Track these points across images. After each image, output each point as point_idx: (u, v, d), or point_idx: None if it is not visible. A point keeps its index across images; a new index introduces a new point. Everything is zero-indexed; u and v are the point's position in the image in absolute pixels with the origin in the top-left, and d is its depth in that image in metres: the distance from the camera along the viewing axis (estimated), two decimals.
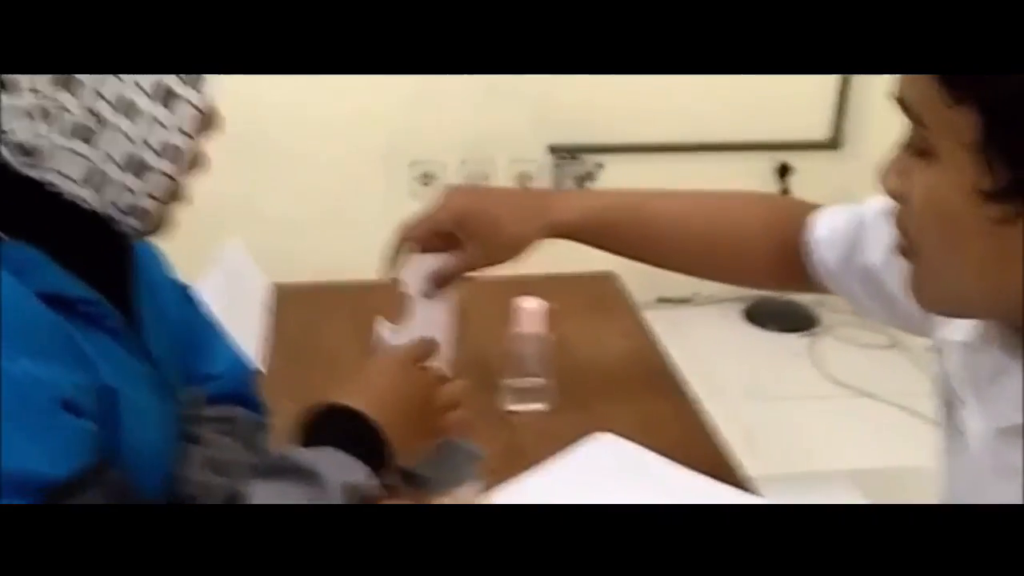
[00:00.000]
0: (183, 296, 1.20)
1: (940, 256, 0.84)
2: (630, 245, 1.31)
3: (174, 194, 0.95)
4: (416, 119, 3.01)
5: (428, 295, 1.36)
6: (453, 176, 3.12)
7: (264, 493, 0.92)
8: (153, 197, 0.91)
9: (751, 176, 3.15)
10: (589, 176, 3.16)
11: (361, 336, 1.27)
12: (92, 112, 0.85)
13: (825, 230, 1.24)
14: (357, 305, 1.54)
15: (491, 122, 3.06)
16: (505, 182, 3.14)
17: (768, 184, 3.12)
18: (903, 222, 0.86)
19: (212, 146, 3.07)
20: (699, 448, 1.32)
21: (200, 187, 2.95)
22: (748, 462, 1.39)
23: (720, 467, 1.28)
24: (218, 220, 2.92)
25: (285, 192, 3.02)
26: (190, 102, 0.89)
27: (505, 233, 1.28)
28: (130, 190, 0.89)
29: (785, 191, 3.13)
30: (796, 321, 3.20)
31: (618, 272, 3.18)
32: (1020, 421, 0.88)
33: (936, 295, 0.88)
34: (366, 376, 1.06)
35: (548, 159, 3.16)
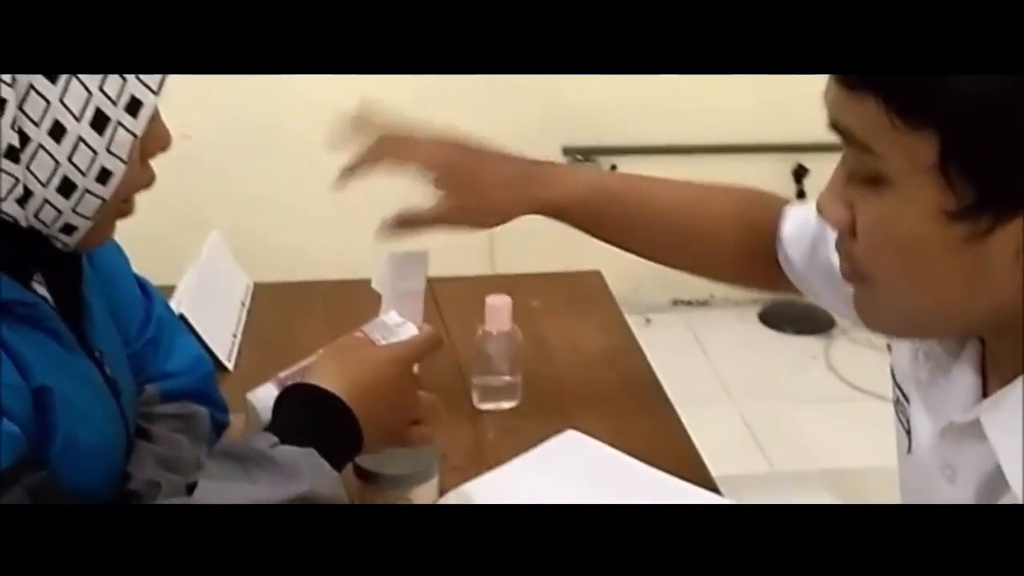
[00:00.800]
0: (144, 293, 1.21)
1: (898, 282, 0.81)
2: (612, 231, 1.27)
3: (115, 211, 0.95)
4: (427, 119, 3.01)
5: (397, 292, 1.36)
6: None
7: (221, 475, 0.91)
8: (82, 216, 0.91)
9: (767, 177, 3.12)
10: None
11: (334, 335, 1.26)
12: (19, 131, 0.85)
13: (792, 227, 1.22)
14: (332, 304, 1.55)
15: (504, 123, 3.05)
16: None
17: (784, 186, 3.10)
18: (848, 250, 0.84)
19: (226, 145, 3.07)
20: (668, 448, 1.30)
21: (215, 185, 2.97)
22: (754, 462, 1.39)
23: (689, 468, 1.26)
24: (233, 217, 2.96)
25: (296, 188, 3.04)
26: (123, 125, 0.89)
27: (488, 199, 1.25)
28: (56, 208, 0.89)
29: (801, 193, 3.10)
30: (812, 324, 3.17)
31: (632, 273, 3.18)
32: (958, 420, 0.87)
33: (891, 319, 0.86)
34: (359, 364, 1.03)
35: (561, 160, 3.15)
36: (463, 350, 1.44)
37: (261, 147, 2.99)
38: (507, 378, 1.37)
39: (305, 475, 0.91)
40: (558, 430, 1.32)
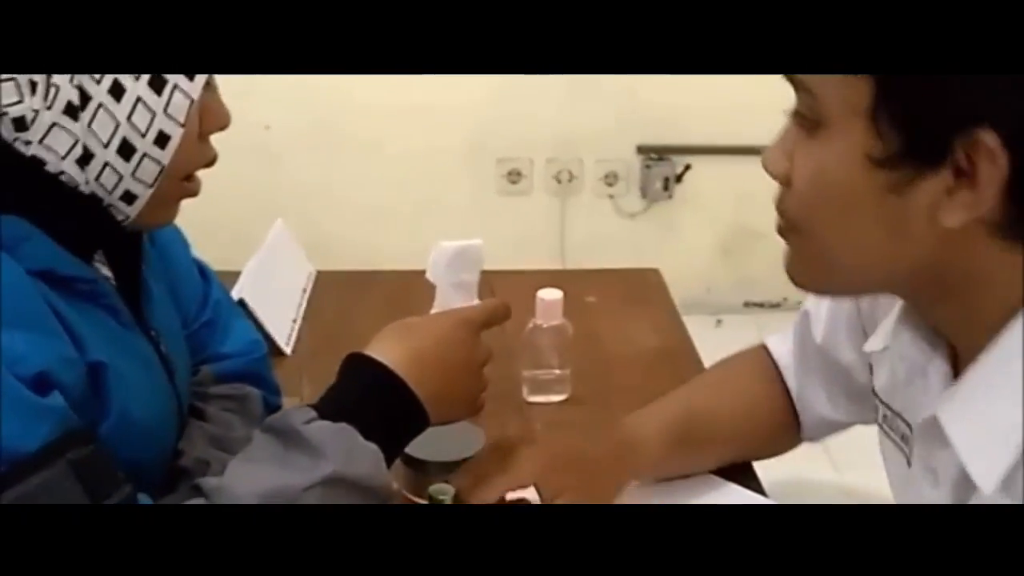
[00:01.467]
0: (202, 276, 1.24)
1: (824, 230, 0.83)
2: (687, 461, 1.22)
3: (177, 190, 0.97)
4: (503, 116, 3.05)
5: (451, 283, 1.38)
6: (540, 174, 3.14)
7: (259, 453, 0.91)
8: (142, 182, 0.92)
9: None
10: (677, 178, 3.15)
11: (391, 322, 1.29)
12: (80, 89, 0.87)
13: (780, 347, 1.23)
14: (391, 293, 1.57)
15: (578, 120, 3.08)
16: (592, 182, 3.16)
17: None
18: (784, 202, 0.86)
19: (306, 138, 3.13)
20: None
21: (294, 176, 3.05)
22: (818, 468, 1.37)
23: (733, 468, 1.26)
24: (309, 209, 3.01)
25: (374, 184, 3.09)
26: (180, 88, 0.91)
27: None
28: (117, 172, 0.91)
29: None
30: None
31: (705, 274, 3.17)
32: (922, 420, 0.88)
33: (816, 273, 0.88)
34: (422, 336, 0.99)
35: (636, 159, 3.16)
36: (516, 342, 1.45)
37: (336, 142, 3.04)
38: (557, 371, 1.39)
39: (330, 455, 0.88)
40: (606, 424, 1.32)
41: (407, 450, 1.18)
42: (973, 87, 0.73)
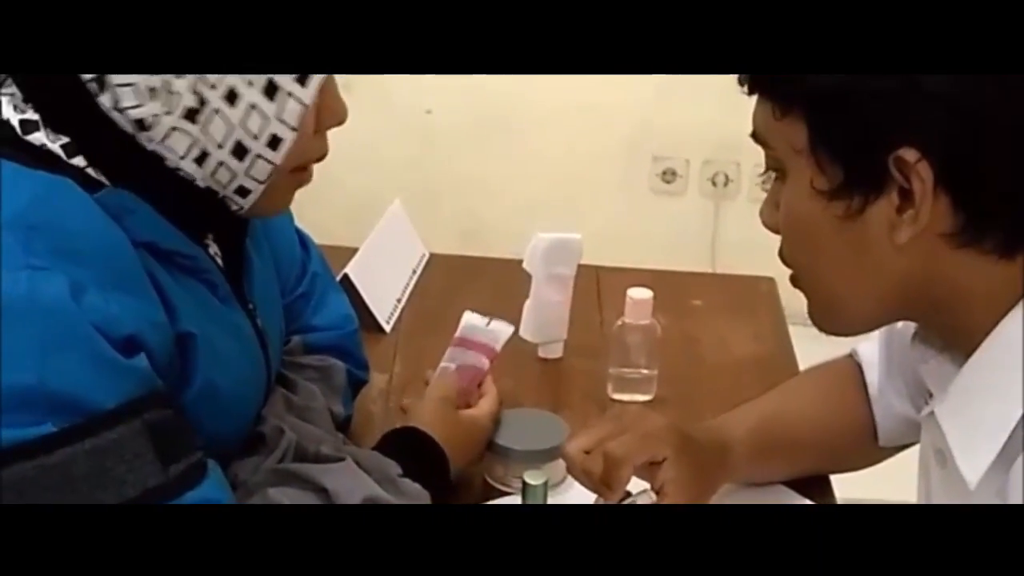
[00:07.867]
0: (303, 247, 1.28)
1: (809, 266, 0.90)
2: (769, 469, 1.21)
3: (291, 180, 1.01)
4: (663, 115, 3.03)
5: (546, 275, 1.41)
6: (695, 175, 3.11)
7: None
8: (254, 179, 0.96)
9: None
10: None
11: (490, 309, 1.33)
12: (199, 96, 0.91)
13: (867, 355, 1.20)
14: (497, 281, 1.59)
15: (739, 123, 2.99)
16: (748, 187, 3.11)
17: None
18: (782, 251, 0.92)
19: (467, 126, 3.21)
20: None
21: (450, 162, 3.10)
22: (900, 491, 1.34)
23: (811, 484, 1.23)
24: (466, 200, 3.07)
25: (530, 175, 3.12)
26: (293, 96, 0.94)
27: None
28: (231, 170, 0.95)
29: None
30: None
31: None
32: (925, 413, 0.94)
33: (823, 311, 0.93)
34: (419, 414, 1.20)
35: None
36: (606, 340, 1.46)
37: (494, 131, 3.07)
38: (644, 371, 1.39)
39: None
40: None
41: (495, 439, 1.22)
42: (886, 112, 0.79)
